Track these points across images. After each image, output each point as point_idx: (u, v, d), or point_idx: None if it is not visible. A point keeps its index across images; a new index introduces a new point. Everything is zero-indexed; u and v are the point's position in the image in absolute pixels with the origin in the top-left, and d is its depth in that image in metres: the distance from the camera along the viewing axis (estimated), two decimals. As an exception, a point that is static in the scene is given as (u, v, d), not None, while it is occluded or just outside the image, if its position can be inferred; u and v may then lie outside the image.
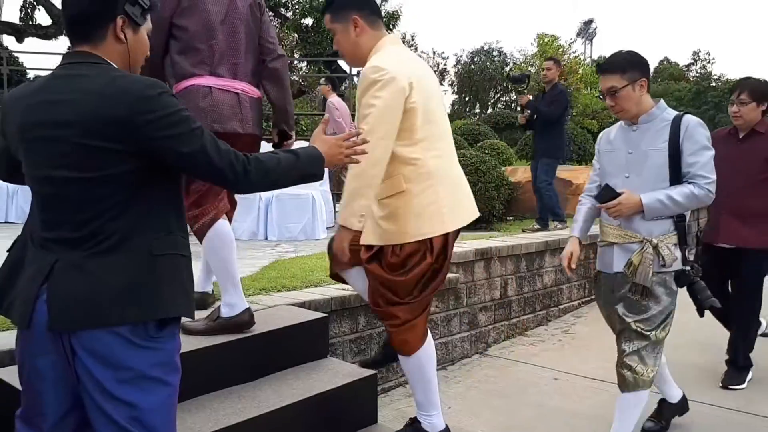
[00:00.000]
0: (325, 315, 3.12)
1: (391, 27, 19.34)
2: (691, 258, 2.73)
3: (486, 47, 44.28)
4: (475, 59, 43.42)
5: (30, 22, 13.99)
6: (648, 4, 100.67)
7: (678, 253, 2.67)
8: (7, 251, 1.63)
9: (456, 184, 2.57)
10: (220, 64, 2.72)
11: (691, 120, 2.70)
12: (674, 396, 3.17)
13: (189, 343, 2.55)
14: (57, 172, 1.46)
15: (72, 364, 1.47)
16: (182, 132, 1.47)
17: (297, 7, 18.45)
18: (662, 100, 2.81)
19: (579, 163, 11.56)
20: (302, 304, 3.26)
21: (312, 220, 6.43)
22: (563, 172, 8.38)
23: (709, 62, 41.48)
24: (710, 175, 2.63)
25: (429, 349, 2.62)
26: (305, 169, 1.70)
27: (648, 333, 2.66)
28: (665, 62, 45.05)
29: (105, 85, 1.45)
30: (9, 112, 1.55)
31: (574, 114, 22.31)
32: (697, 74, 38.07)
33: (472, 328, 4.56)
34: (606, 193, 2.69)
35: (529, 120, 6.63)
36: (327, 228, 6.77)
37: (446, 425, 2.72)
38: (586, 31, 46.58)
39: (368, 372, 2.92)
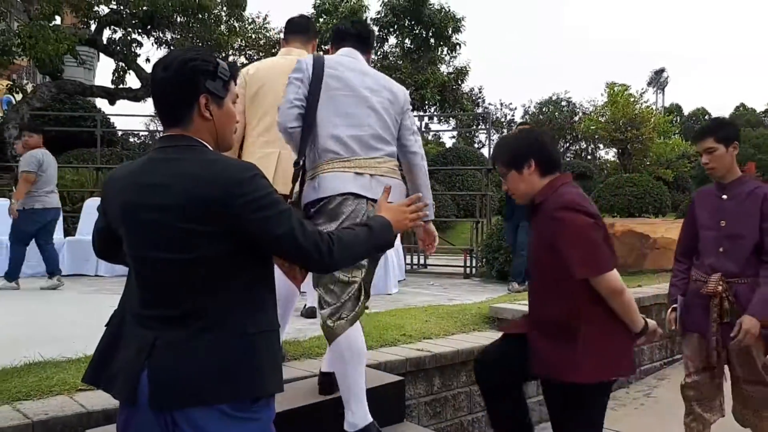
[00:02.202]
0: (401, 378, 3.11)
1: (460, 82, 19.71)
2: None
3: (554, 97, 44.08)
4: (543, 109, 43.21)
5: (121, 86, 14.99)
6: (722, 52, 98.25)
7: None
8: (106, 326, 1.68)
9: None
10: None
11: None
12: None
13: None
14: (155, 254, 1.51)
15: None
16: (272, 214, 1.50)
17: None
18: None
19: (655, 215, 11.16)
20: (378, 366, 3.27)
21: (384, 275, 6.48)
22: (640, 225, 8.15)
23: (788, 108, 39.82)
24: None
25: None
26: (379, 238, 1.73)
27: None
28: (741, 108, 43.41)
29: (200, 169, 1.50)
30: (111, 192, 1.61)
31: (647, 164, 21.72)
32: (776, 120, 36.48)
33: (549, 390, 4.42)
34: None
35: None
36: (398, 281, 6.79)
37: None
38: (657, 80, 45.75)
39: (446, 438, 2.87)
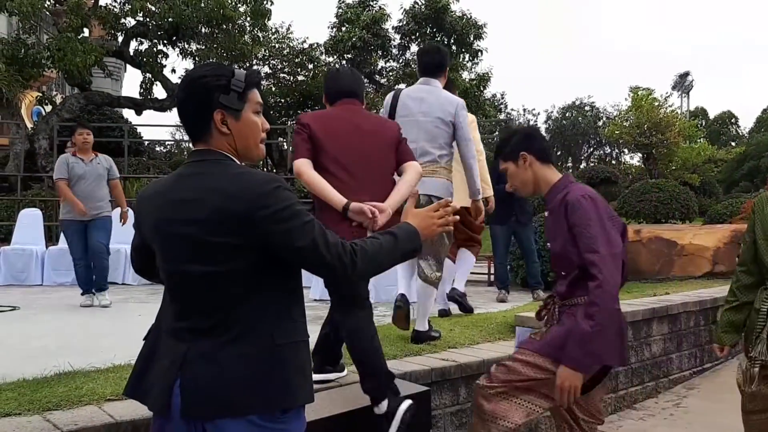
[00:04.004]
0: (427, 389, 3.09)
1: (482, 88, 19.67)
2: None
3: (577, 102, 43.77)
4: (567, 114, 42.92)
5: (148, 96, 15.24)
6: (748, 54, 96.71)
7: None
8: (144, 339, 1.72)
9: None
10: None
11: None
12: None
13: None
14: (185, 266, 1.54)
15: None
16: (294, 226, 1.50)
17: (391, 74, 19.22)
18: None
19: (682, 221, 10.97)
20: (403, 375, 3.25)
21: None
22: (667, 231, 8.03)
23: (818, 110, 38.83)
24: None
25: None
26: (405, 246, 1.70)
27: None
28: (768, 111, 42.56)
29: (227, 183, 1.52)
30: (144, 209, 1.65)
31: (673, 168, 21.41)
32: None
33: (576, 400, 4.36)
34: None
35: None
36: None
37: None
38: (682, 84, 45.14)
39: (472, 450, 2.84)
